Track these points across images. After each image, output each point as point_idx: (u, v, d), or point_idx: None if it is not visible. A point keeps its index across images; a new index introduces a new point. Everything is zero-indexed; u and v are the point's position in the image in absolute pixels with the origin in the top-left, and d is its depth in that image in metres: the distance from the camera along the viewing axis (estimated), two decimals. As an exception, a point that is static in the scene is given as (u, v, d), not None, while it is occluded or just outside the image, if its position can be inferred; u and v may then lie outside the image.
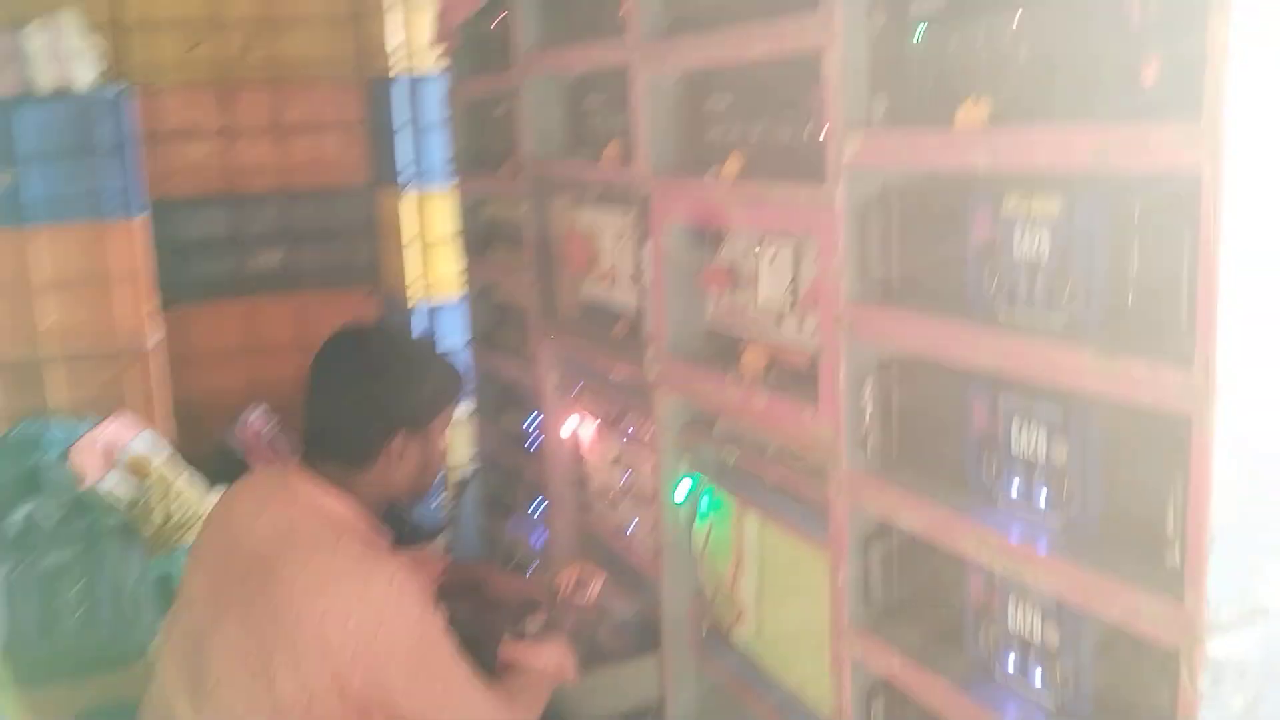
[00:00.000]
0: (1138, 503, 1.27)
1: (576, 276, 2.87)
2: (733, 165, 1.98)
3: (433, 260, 4.39)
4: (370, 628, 1.82)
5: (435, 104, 4.06)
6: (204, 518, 2.17)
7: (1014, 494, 1.44)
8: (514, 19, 2.79)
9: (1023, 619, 1.46)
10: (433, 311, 4.47)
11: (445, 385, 2.13)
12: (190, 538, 3.69)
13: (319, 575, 1.86)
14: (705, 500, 2.31)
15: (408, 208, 4.39)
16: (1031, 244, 1.36)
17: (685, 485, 2.32)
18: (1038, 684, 1.44)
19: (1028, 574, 1.39)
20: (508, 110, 3.10)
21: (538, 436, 3.21)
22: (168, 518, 3.71)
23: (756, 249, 2.04)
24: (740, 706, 2.25)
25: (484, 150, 3.38)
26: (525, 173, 2.86)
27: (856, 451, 1.67)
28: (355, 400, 1.99)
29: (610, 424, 2.70)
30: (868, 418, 1.64)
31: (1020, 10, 1.33)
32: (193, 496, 3.80)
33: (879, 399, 1.63)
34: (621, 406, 2.63)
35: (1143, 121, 1.16)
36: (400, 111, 4.29)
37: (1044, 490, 1.39)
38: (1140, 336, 1.22)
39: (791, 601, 2.06)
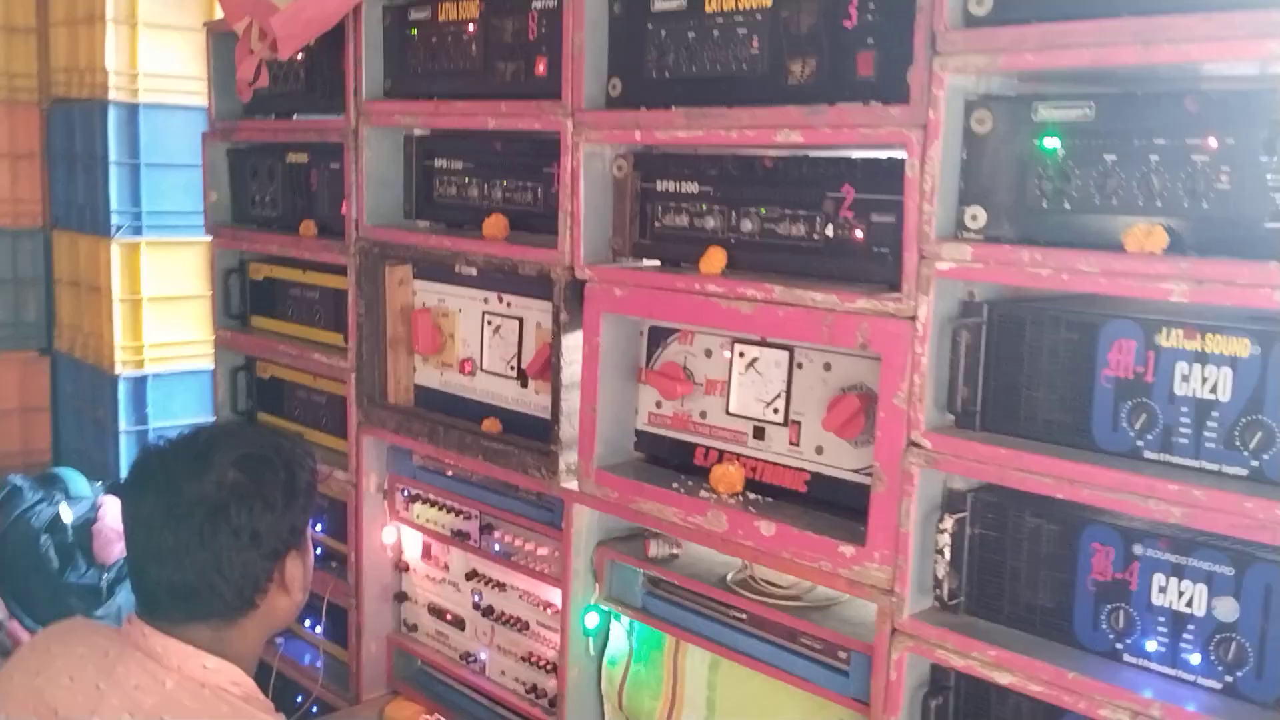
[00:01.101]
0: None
1: (413, 360, 2.48)
2: (716, 259, 1.75)
3: (151, 322, 3.70)
4: None
5: (168, 139, 3.45)
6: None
7: (1150, 651, 1.32)
8: (355, 59, 2.38)
9: (1157, 789, 1.33)
10: (141, 382, 3.77)
11: (309, 469, 1.71)
12: None
13: None
14: (621, 631, 2.02)
15: (120, 258, 3.67)
16: (1204, 383, 1.25)
17: (595, 614, 2.02)
18: None
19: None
20: (314, 162, 2.67)
21: (325, 542, 2.74)
22: None
23: (727, 351, 1.81)
24: None
25: (263, 202, 2.88)
26: (354, 237, 2.44)
27: (923, 597, 1.48)
28: (231, 544, 1.54)
29: (466, 534, 2.33)
30: (945, 559, 1.46)
31: (1210, 130, 1.23)
32: None
33: (954, 538, 1.46)
34: (488, 515, 2.27)
35: None
36: (118, 145, 3.59)
37: (1199, 649, 1.28)
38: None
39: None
